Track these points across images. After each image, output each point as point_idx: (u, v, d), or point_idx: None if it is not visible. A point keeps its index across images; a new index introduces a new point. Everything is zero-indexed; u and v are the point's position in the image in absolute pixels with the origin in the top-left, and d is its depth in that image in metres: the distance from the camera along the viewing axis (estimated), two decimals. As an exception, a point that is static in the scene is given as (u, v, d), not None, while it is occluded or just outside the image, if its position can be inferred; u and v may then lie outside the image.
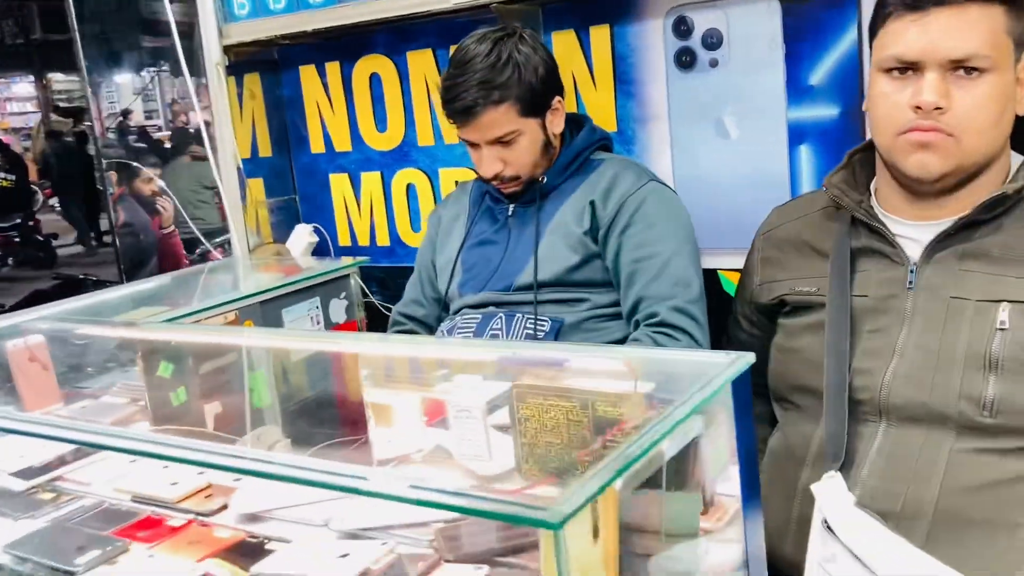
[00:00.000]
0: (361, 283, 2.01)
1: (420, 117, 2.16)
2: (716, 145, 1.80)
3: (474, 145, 1.67)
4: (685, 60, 1.80)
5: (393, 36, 2.15)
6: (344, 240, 2.35)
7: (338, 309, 1.98)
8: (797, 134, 1.72)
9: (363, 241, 2.34)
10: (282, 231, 2.38)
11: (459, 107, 1.61)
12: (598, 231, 1.65)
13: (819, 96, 1.69)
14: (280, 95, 2.37)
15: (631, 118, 1.88)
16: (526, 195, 1.73)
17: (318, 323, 1.93)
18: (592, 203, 1.65)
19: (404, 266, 2.25)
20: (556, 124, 1.69)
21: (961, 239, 1.27)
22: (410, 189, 2.23)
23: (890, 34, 1.25)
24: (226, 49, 2.17)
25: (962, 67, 1.20)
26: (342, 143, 2.30)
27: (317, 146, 2.34)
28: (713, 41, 1.76)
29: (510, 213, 1.75)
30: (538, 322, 1.64)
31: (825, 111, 1.69)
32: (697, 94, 1.80)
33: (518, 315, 1.66)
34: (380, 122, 2.23)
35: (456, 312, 1.76)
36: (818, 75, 1.68)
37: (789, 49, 1.69)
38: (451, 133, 2.00)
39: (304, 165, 2.38)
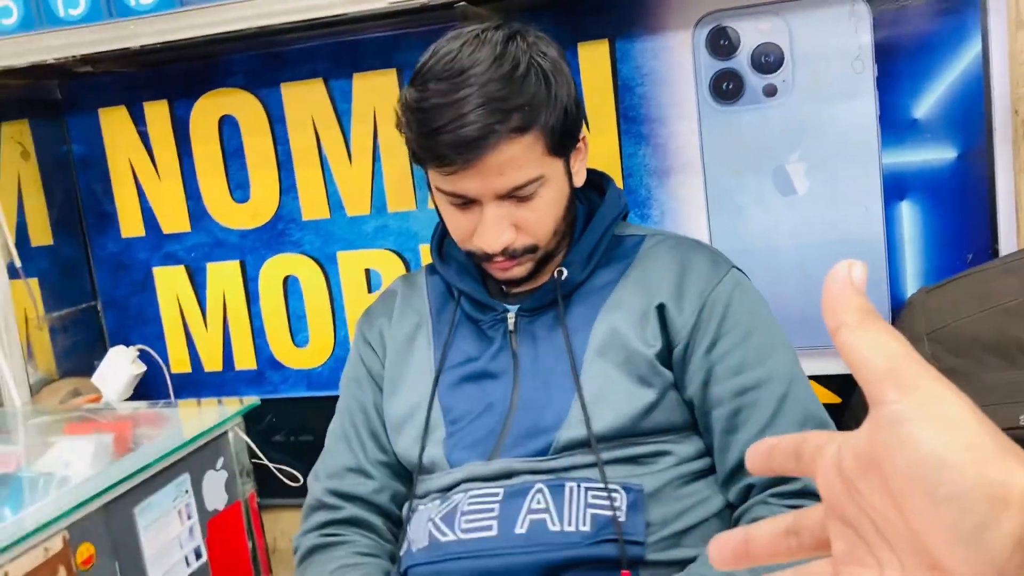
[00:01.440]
0: (247, 439, 1.27)
1: (306, 176, 1.46)
2: (775, 204, 1.29)
3: (466, 204, 1.04)
4: (727, 88, 1.27)
5: (258, 61, 1.45)
6: (180, 365, 1.58)
7: (214, 487, 1.22)
8: (895, 186, 1.24)
9: (212, 365, 1.57)
10: (76, 359, 1.56)
11: (459, 139, 0.97)
12: (672, 349, 1.07)
13: (927, 134, 1.22)
14: (65, 152, 1.57)
15: (644, 170, 1.33)
16: (535, 296, 1.11)
17: (189, 517, 1.16)
18: (661, 308, 1.07)
19: (284, 398, 1.52)
20: (579, 173, 1.11)
21: None
22: (290, 284, 1.51)
23: None
24: (-20, 80, 1.36)
25: None
26: (174, 220, 1.54)
27: (131, 227, 1.56)
28: (769, 61, 1.25)
29: (511, 327, 1.12)
30: (608, 492, 1.02)
31: (935, 154, 1.22)
32: (745, 134, 1.28)
33: (570, 484, 1.03)
34: (238, 187, 1.50)
35: (448, 489, 1.09)
36: (925, 105, 1.21)
37: (883, 70, 1.22)
38: (357, 197, 1.35)
39: (109, 256, 1.59)
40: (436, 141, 0.99)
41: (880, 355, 0.35)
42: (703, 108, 1.29)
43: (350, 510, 1.17)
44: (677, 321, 1.06)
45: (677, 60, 1.28)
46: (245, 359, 1.55)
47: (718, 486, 1.07)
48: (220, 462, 1.24)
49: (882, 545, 0.36)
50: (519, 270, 1.09)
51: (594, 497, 1.02)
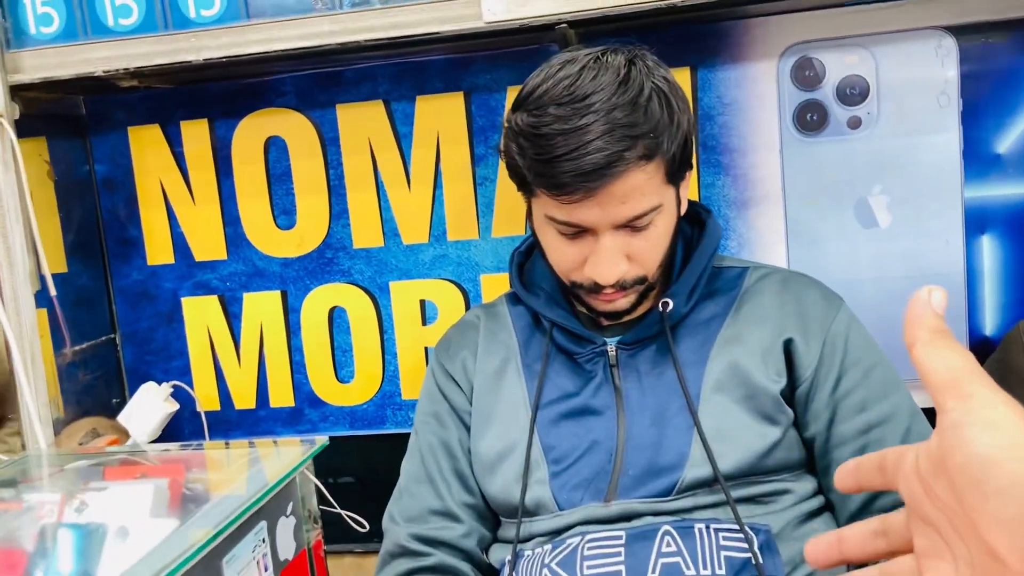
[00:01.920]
0: (317, 482, 1.17)
1: (360, 201, 1.39)
2: (857, 237, 1.28)
3: (578, 233, 1.00)
4: (811, 119, 1.26)
5: (311, 81, 1.37)
6: (210, 403, 1.47)
7: (285, 535, 1.12)
8: (977, 220, 1.25)
9: (243, 403, 1.47)
10: (93, 398, 1.43)
11: (583, 167, 0.92)
12: (796, 386, 1.04)
13: (1009, 168, 1.24)
14: (87, 172, 1.46)
15: (724, 201, 1.30)
16: (637, 328, 1.07)
17: (266, 569, 1.06)
18: (789, 343, 1.04)
19: (335, 436, 1.43)
20: (684, 201, 1.07)
21: None
22: (337, 316, 1.43)
23: None
24: (14, 91, 1.24)
25: None
26: (208, 247, 1.44)
27: (159, 254, 1.45)
28: (854, 93, 1.25)
29: (612, 360, 1.07)
30: (745, 533, 0.97)
31: (1018, 189, 1.24)
32: (828, 166, 1.27)
33: (698, 526, 0.98)
34: (283, 213, 1.41)
35: (558, 533, 1.03)
36: (1009, 139, 1.23)
37: (968, 104, 1.23)
38: (415, 224, 1.29)
39: (132, 285, 1.47)
40: (557, 168, 0.94)
41: (944, 368, 0.42)
42: (786, 138, 1.27)
43: (438, 556, 1.10)
44: (805, 358, 1.03)
45: (760, 90, 1.27)
46: (281, 396, 1.45)
47: (839, 525, 1.04)
48: (290, 507, 1.14)
49: (955, 538, 0.41)
50: (624, 302, 1.04)
51: (725, 539, 0.97)
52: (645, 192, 0.96)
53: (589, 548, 0.98)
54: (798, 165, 1.27)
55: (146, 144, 1.42)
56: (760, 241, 1.30)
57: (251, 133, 1.39)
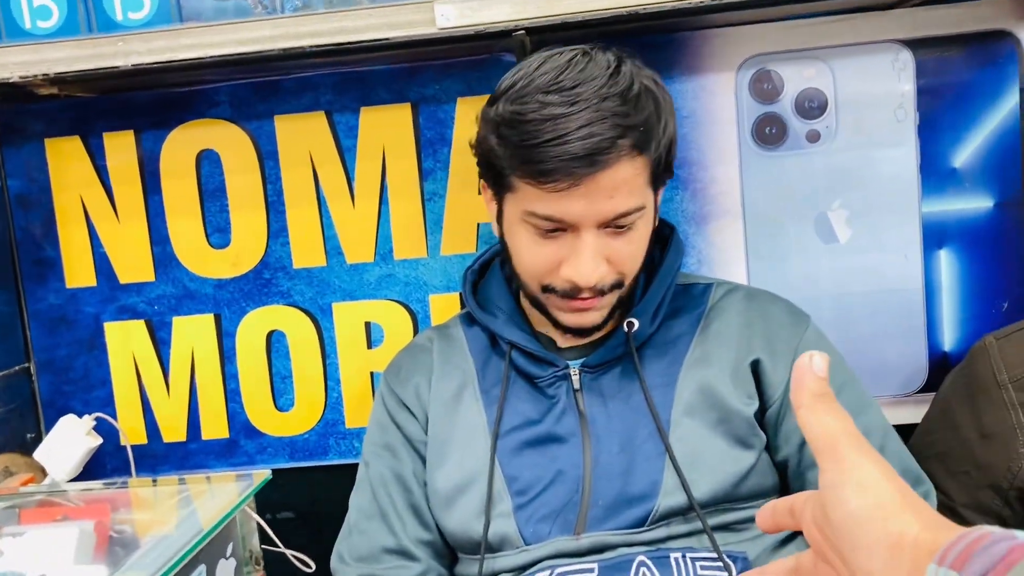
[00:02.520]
0: (260, 520, 1.08)
1: (300, 218, 1.31)
2: (816, 252, 1.25)
3: (556, 232, 0.94)
4: (770, 132, 1.24)
5: (248, 90, 1.29)
6: (135, 436, 1.36)
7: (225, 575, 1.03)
8: (935, 234, 1.24)
9: (173, 434, 1.36)
10: (5, 433, 1.31)
11: (575, 151, 0.87)
12: (767, 408, 1.00)
13: (966, 183, 1.23)
14: (-3, 188, 1.34)
15: (683, 216, 1.26)
16: (600, 350, 1.02)
17: (205, 619, 0.97)
18: (756, 364, 1.00)
19: (273, 468, 1.34)
20: (657, 215, 1.03)
21: None
22: (275, 340, 1.34)
23: None
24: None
25: None
26: (134, 268, 1.33)
27: (78, 275, 1.34)
28: (813, 106, 1.23)
29: (575, 384, 1.02)
30: (724, 562, 0.92)
31: (974, 203, 1.23)
32: (787, 180, 1.24)
33: (674, 556, 0.93)
34: (217, 231, 1.32)
35: (523, 569, 0.96)
36: (964, 155, 1.22)
37: (924, 118, 1.22)
38: (359, 243, 1.23)
39: (48, 310, 1.36)
40: (545, 153, 0.88)
41: (823, 431, 0.47)
42: (745, 152, 1.24)
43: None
44: (773, 378, 0.99)
45: (719, 102, 1.24)
46: (215, 427, 1.35)
47: (815, 549, 0.99)
48: (230, 548, 1.05)
49: None
50: (597, 315, 0.99)
51: (703, 568, 0.93)
52: (632, 189, 0.92)
53: (559, 584, 0.92)
54: (758, 179, 1.25)
55: (65, 157, 1.32)
56: (720, 258, 1.26)
57: (181, 146, 1.30)
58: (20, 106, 1.31)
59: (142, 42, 1.10)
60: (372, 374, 1.33)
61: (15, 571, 0.97)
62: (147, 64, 1.10)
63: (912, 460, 1.02)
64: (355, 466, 1.13)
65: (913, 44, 1.20)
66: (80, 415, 1.28)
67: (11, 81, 1.12)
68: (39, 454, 1.25)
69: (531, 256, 0.97)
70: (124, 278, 1.34)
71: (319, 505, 1.35)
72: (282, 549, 1.10)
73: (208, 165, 1.31)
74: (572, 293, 0.96)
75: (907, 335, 1.25)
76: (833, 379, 1.01)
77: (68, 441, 1.25)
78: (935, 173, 1.23)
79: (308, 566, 1.13)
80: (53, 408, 1.36)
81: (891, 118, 1.22)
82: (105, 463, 1.36)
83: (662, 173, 0.96)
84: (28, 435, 1.35)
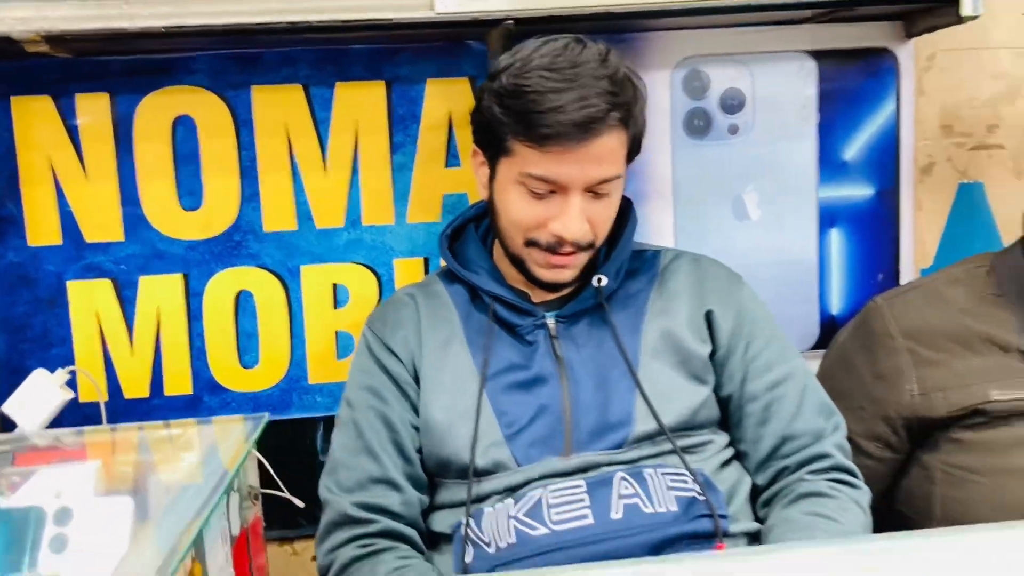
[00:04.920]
0: (263, 459, 1.16)
1: (273, 184, 1.38)
2: (732, 228, 1.47)
3: (547, 192, 1.09)
4: (698, 125, 1.44)
5: (227, 60, 1.36)
6: (92, 393, 1.39)
7: (232, 511, 1.11)
8: (828, 216, 1.48)
9: (135, 391, 1.40)
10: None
11: (576, 118, 1.03)
12: (716, 351, 1.19)
13: (853, 173, 1.48)
14: (-43, 144, 1.34)
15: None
16: (572, 303, 1.18)
17: (226, 542, 1.04)
18: (710, 314, 1.18)
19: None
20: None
21: None
22: (243, 300, 1.41)
23: None
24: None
25: None
26: (102, 228, 1.36)
27: (42, 234, 1.36)
28: (734, 103, 1.44)
29: (552, 332, 1.17)
30: (692, 476, 1.10)
31: (859, 191, 1.48)
32: (711, 166, 1.45)
33: (647, 471, 1.10)
34: (189, 194, 1.37)
35: (516, 488, 1.10)
36: (853, 149, 1.47)
37: (823, 117, 1.46)
38: (330, 209, 1.33)
39: (8, 268, 1.36)
40: (549, 119, 1.03)
41: None
42: (676, 142, 1.44)
43: (383, 523, 1.13)
44: (722, 325, 1.18)
45: (656, 96, 1.42)
46: (178, 383, 1.41)
47: (749, 470, 1.19)
48: (236, 484, 1.13)
49: None
50: (570, 273, 1.14)
51: (672, 481, 1.10)
52: (616, 159, 1.08)
53: (553, 498, 1.07)
54: (686, 165, 1.44)
55: (33, 116, 1.33)
56: (653, 233, 1.45)
57: (157, 110, 1.35)
58: (-13, 62, 1.31)
59: (146, 6, 1.16)
60: (337, 333, 1.43)
61: (35, 505, 1.01)
62: (152, 28, 1.16)
63: (828, 397, 1.23)
64: (317, 419, 1.23)
65: (817, 55, 1.43)
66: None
67: (9, 35, 1.15)
68: (8, 407, 1.26)
69: (523, 213, 1.11)
70: (91, 237, 1.37)
71: (281, 455, 1.42)
72: (283, 489, 1.19)
73: (183, 130, 1.36)
74: (555, 247, 1.11)
75: (803, 300, 1.49)
76: (766, 329, 1.21)
77: (40, 394, 1.27)
78: (830, 164, 1.47)
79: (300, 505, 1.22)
80: (9, 368, 1.37)
81: (797, 116, 1.45)
82: (63, 420, 1.37)
83: (635, 150, 1.13)
84: (-15, 391, 1.35)
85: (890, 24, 1.44)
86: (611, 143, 1.07)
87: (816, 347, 1.49)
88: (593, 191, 1.09)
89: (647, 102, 1.13)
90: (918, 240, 1.51)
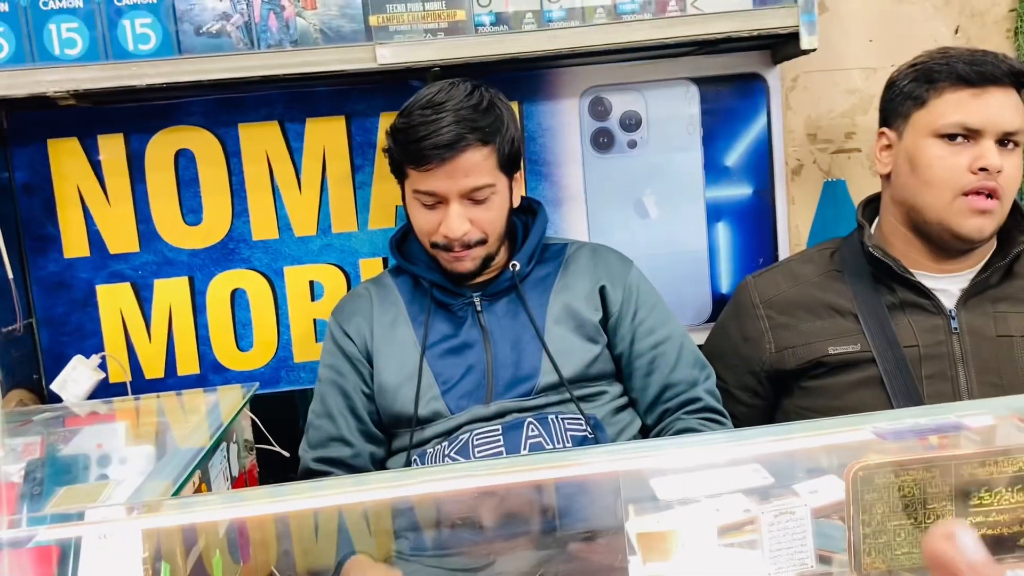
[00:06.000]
0: (255, 418, 1.49)
1: (258, 201, 1.72)
2: (635, 225, 1.79)
3: (434, 203, 1.41)
4: (603, 142, 1.76)
5: (217, 104, 1.69)
6: (119, 375, 1.73)
7: (232, 456, 1.44)
8: (714, 213, 1.80)
9: (153, 372, 1.74)
10: (14, 375, 1.65)
11: (438, 142, 1.35)
12: (608, 319, 1.51)
13: (734, 177, 1.80)
14: (6, 178, 1.67)
15: (544, 200, 1.76)
16: (492, 285, 1.50)
17: (227, 479, 1.38)
18: (603, 289, 1.51)
19: (238, 395, 1.74)
20: (517, 196, 1.51)
21: (990, 286, 1.47)
22: (237, 297, 1.74)
23: (949, 103, 1.41)
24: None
25: (1010, 140, 1.41)
26: (122, 241, 1.70)
27: (75, 247, 1.70)
28: (632, 123, 1.76)
29: (478, 308, 1.50)
30: (585, 420, 1.42)
31: (739, 191, 1.80)
32: (615, 175, 1.77)
33: (551, 417, 1.42)
34: (191, 211, 1.71)
35: (450, 432, 1.43)
36: (733, 157, 1.79)
37: (706, 132, 1.78)
38: (305, 220, 1.67)
39: (49, 276, 1.70)
40: (420, 145, 1.36)
41: None
42: (586, 155, 1.76)
43: (336, 473, 1.46)
44: (613, 297, 1.50)
45: (567, 119, 1.75)
46: (188, 365, 1.74)
47: (639, 414, 1.51)
48: (234, 436, 1.46)
49: None
50: (469, 264, 1.46)
51: (569, 424, 1.43)
52: (482, 171, 1.40)
53: (477, 439, 1.40)
54: (595, 175, 1.77)
55: (65, 154, 1.67)
56: (571, 231, 1.78)
57: (163, 146, 1.69)
58: (26, 114, 1.65)
59: (152, 68, 1.49)
60: (315, 320, 1.76)
61: (82, 453, 1.34)
62: (156, 84, 1.49)
63: (701, 354, 1.55)
64: (301, 391, 1.54)
65: (699, 81, 1.75)
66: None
67: (46, 94, 1.48)
68: (56, 385, 1.60)
69: (421, 221, 1.44)
70: (114, 249, 1.70)
71: (272, 418, 1.76)
72: (272, 442, 1.52)
73: (184, 161, 1.70)
74: (448, 247, 1.43)
75: (697, 282, 1.81)
76: (649, 299, 1.54)
77: (80, 374, 1.61)
78: (714, 170, 1.79)
79: (286, 455, 1.55)
80: (52, 356, 1.71)
81: (684, 132, 1.77)
82: (96, 395, 1.71)
83: (509, 161, 1.44)
84: (33, 376, 1.69)
85: (759, 53, 1.76)
86: (475, 157, 1.38)
87: (708, 321, 1.81)
88: (471, 198, 1.41)
89: (517, 122, 1.45)
90: (792, 229, 1.83)
